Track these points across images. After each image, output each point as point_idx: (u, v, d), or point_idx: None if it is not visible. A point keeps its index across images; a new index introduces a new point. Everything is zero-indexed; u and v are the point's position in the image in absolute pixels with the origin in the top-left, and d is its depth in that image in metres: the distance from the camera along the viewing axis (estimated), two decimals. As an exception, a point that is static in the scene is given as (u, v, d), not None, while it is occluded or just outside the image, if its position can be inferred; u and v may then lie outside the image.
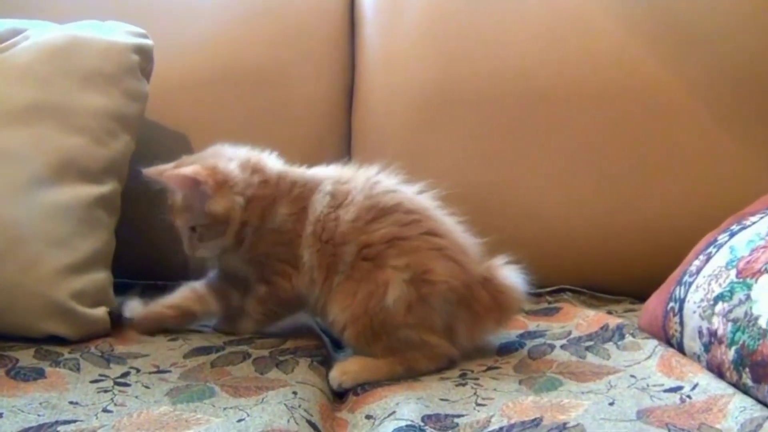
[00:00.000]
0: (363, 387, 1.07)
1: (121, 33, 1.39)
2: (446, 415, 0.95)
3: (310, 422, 0.92)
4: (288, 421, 0.90)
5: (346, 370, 1.10)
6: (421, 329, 1.11)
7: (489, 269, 1.17)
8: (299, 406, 0.94)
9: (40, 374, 1.05)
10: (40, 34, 1.35)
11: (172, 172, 1.18)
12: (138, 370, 1.09)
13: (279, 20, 1.63)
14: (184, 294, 1.26)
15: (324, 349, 1.21)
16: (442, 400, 1.00)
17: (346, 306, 1.13)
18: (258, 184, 1.20)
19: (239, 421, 0.90)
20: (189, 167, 1.18)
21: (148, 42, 1.41)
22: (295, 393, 0.98)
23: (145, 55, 1.40)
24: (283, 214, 1.19)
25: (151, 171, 1.20)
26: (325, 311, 1.17)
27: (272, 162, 1.25)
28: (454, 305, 1.12)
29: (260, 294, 1.23)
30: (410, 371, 1.10)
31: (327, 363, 1.15)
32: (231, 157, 1.22)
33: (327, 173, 1.24)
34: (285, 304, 1.24)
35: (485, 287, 1.15)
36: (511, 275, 1.17)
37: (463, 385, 1.06)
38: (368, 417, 0.97)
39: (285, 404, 0.94)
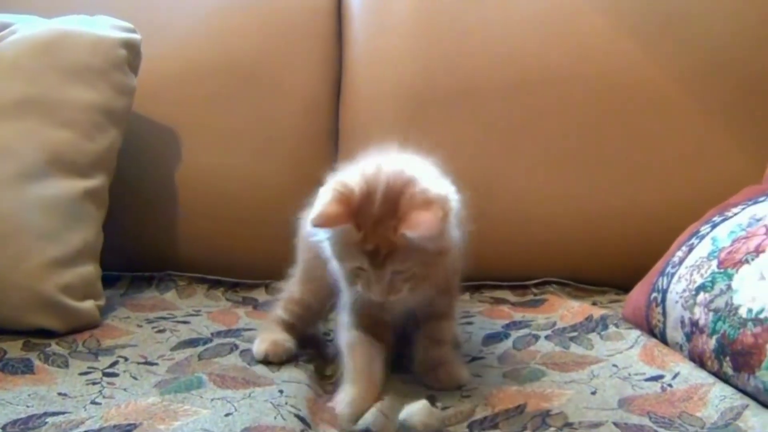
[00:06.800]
0: None
1: (109, 27, 1.39)
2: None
3: (298, 416, 0.92)
4: (275, 417, 0.91)
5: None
6: None
7: None
8: (286, 403, 0.95)
9: (28, 368, 1.06)
10: (27, 28, 1.35)
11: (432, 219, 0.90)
12: (126, 359, 1.10)
13: (267, 15, 1.63)
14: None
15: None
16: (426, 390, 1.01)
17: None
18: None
19: (227, 414, 0.91)
20: (429, 212, 0.91)
21: (136, 36, 1.41)
22: (281, 391, 0.99)
23: (133, 49, 1.40)
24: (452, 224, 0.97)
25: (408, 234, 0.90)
26: None
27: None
28: None
29: (451, 328, 1.07)
30: None
31: (313, 361, 1.14)
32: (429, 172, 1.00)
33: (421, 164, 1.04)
34: None
35: None
36: None
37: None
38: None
39: (271, 402, 0.95)
